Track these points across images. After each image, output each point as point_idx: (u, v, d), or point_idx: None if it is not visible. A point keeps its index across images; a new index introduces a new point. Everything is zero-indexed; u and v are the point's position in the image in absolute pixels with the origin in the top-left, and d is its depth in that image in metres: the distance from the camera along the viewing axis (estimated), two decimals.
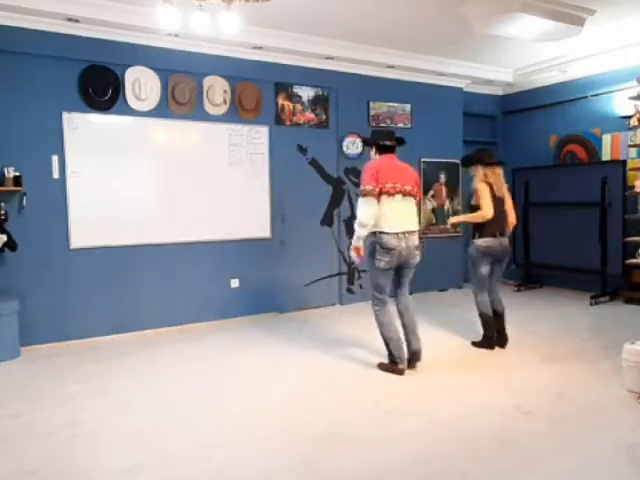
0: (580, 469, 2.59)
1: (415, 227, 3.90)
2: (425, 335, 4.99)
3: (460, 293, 7.12)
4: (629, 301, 6.11)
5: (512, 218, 4.56)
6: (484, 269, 4.42)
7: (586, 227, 6.44)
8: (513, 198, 7.27)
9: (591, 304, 6.14)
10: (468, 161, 4.66)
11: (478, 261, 4.40)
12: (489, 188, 4.35)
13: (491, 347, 4.47)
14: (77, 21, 4.67)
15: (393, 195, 3.77)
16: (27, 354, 4.56)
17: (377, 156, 3.97)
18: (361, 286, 6.49)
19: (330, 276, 6.42)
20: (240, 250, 5.78)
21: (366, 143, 4.26)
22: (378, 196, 3.72)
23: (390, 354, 3.95)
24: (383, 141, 3.97)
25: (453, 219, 4.80)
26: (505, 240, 4.43)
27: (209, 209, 5.58)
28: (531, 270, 7.34)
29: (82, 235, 4.94)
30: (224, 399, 3.56)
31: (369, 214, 3.72)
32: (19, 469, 2.67)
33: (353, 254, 3.93)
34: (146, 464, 2.70)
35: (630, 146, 6.15)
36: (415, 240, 3.87)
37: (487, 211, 4.27)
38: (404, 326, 4.02)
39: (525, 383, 3.71)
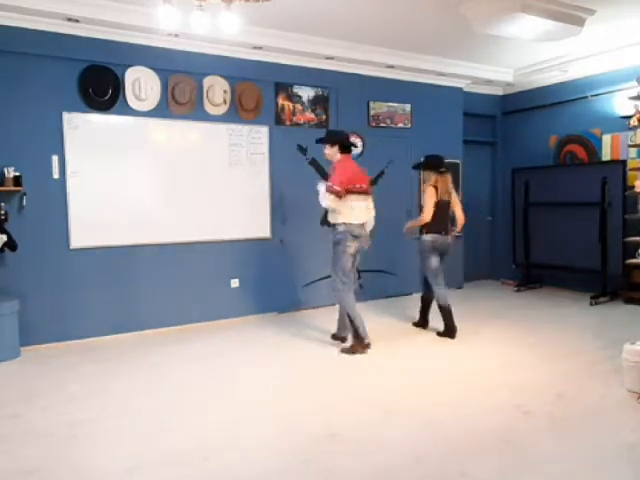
0: (580, 469, 2.59)
1: (366, 219, 4.58)
2: (425, 335, 5.03)
3: (460, 293, 7.11)
4: (629, 301, 6.11)
5: (460, 217, 5.11)
6: (434, 261, 4.91)
7: (586, 227, 6.44)
8: (513, 198, 7.42)
9: (591, 304, 6.14)
10: (423, 166, 5.10)
11: (429, 254, 4.92)
12: (435, 192, 4.87)
13: (452, 336, 4.88)
14: (77, 21, 4.67)
15: (358, 194, 4.46)
16: (27, 354, 4.56)
17: (338, 155, 4.53)
18: (361, 286, 6.45)
19: (330, 276, 6.40)
20: (240, 250, 5.78)
21: (330, 141, 4.57)
22: (341, 196, 4.37)
23: (356, 330, 4.43)
24: (347, 141, 4.60)
25: (407, 226, 5.16)
26: (448, 238, 4.96)
27: (209, 209, 5.58)
28: (531, 270, 7.33)
29: (82, 235, 4.94)
30: (224, 399, 3.56)
31: (331, 204, 4.41)
32: (18, 469, 2.67)
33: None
34: (145, 464, 2.70)
35: (630, 146, 6.15)
36: (367, 230, 4.62)
37: (426, 216, 4.86)
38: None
39: (525, 383, 3.71)
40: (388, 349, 4.58)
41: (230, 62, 5.56)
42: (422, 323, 5.26)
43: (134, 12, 4.70)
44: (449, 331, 4.89)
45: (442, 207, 4.91)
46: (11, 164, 4.55)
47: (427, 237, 4.91)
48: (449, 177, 5.00)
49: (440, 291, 4.94)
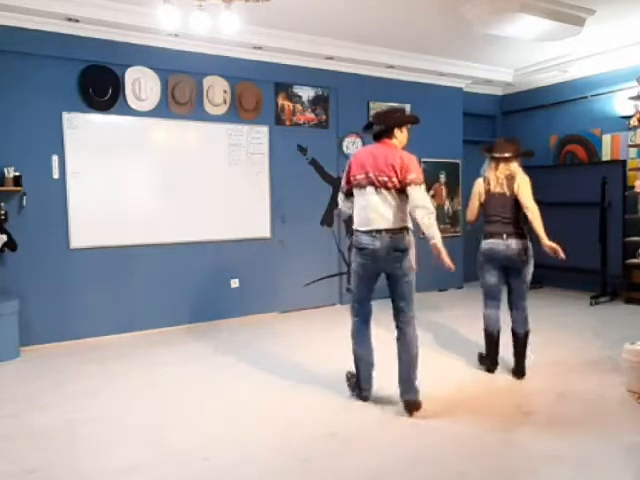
0: (580, 469, 2.59)
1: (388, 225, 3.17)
2: (425, 334, 5.02)
3: (461, 293, 7.12)
4: (629, 301, 6.11)
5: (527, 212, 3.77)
6: (488, 277, 3.86)
7: (586, 227, 6.44)
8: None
9: (591, 304, 6.14)
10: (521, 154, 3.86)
11: (480, 266, 3.90)
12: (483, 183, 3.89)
13: (489, 370, 3.94)
14: (77, 21, 4.67)
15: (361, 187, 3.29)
16: (27, 354, 4.56)
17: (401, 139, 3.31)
18: None
19: (330, 276, 6.42)
20: (240, 250, 5.78)
21: (408, 122, 3.37)
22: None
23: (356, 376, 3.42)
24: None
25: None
26: (512, 243, 3.74)
27: (209, 209, 5.58)
28: None
29: (82, 235, 4.94)
30: (224, 399, 3.56)
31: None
32: (18, 469, 2.66)
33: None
34: (145, 464, 2.70)
35: (630, 146, 6.16)
36: (394, 241, 3.15)
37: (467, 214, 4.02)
38: (399, 362, 3.28)
39: (525, 383, 3.70)
40: (390, 347, 4.56)
41: (230, 62, 5.56)
42: (515, 370, 3.89)
43: (134, 12, 4.70)
44: (484, 360, 4.02)
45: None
46: (11, 164, 4.55)
47: (482, 243, 3.87)
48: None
49: (485, 312, 3.94)
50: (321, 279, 6.34)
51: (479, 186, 3.92)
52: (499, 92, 7.96)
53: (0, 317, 4.33)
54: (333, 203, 6.37)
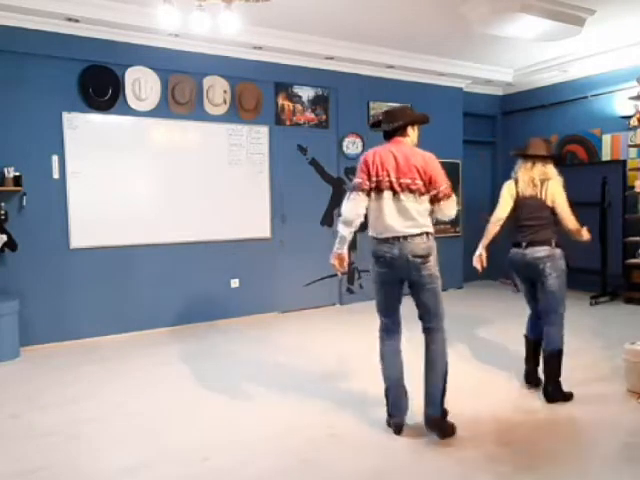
0: (580, 469, 2.59)
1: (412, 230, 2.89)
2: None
3: (460, 293, 7.12)
4: (629, 301, 6.11)
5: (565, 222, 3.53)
6: (520, 284, 3.68)
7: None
8: None
9: (591, 304, 6.14)
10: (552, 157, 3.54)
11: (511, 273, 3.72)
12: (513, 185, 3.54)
13: (529, 382, 3.64)
14: (77, 21, 4.67)
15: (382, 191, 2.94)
16: (27, 354, 4.57)
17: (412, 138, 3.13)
18: (361, 286, 6.50)
19: (330, 276, 6.41)
20: (240, 250, 5.78)
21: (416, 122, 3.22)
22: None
23: (386, 400, 3.04)
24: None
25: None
26: (531, 252, 3.41)
27: (209, 209, 5.58)
28: None
29: (82, 235, 4.95)
30: (224, 399, 3.56)
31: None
32: (19, 469, 2.67)
33: (334, 263, 3.12)
34: (145, 464, 2.70)
35: (630, 146, 6.15)
36: (414, 247, 2.86)
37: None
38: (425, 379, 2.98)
39: (525, 383, 3.70)
40: None
41: (230, 62, 5.56)
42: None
43: (134, 12, 4.70)
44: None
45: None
46: (11, 164, 4.55)
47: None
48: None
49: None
50: (321, 279, 6.34)
51: (510, 189, 3.54)
52: (499, 92, 7.96)
53: (0, 317, 4.33)
54: (333, 203, 6.38)
